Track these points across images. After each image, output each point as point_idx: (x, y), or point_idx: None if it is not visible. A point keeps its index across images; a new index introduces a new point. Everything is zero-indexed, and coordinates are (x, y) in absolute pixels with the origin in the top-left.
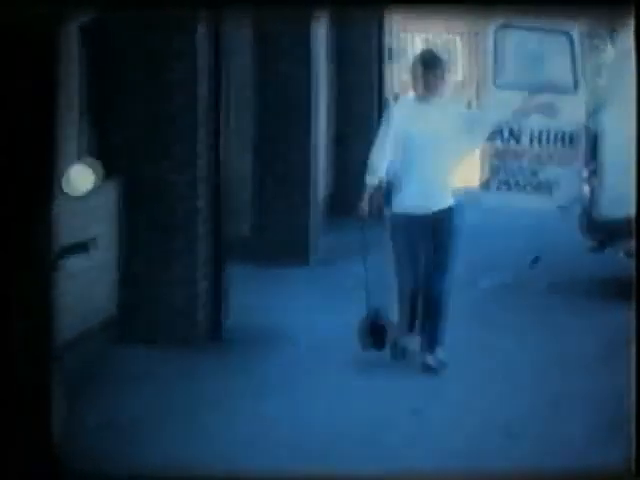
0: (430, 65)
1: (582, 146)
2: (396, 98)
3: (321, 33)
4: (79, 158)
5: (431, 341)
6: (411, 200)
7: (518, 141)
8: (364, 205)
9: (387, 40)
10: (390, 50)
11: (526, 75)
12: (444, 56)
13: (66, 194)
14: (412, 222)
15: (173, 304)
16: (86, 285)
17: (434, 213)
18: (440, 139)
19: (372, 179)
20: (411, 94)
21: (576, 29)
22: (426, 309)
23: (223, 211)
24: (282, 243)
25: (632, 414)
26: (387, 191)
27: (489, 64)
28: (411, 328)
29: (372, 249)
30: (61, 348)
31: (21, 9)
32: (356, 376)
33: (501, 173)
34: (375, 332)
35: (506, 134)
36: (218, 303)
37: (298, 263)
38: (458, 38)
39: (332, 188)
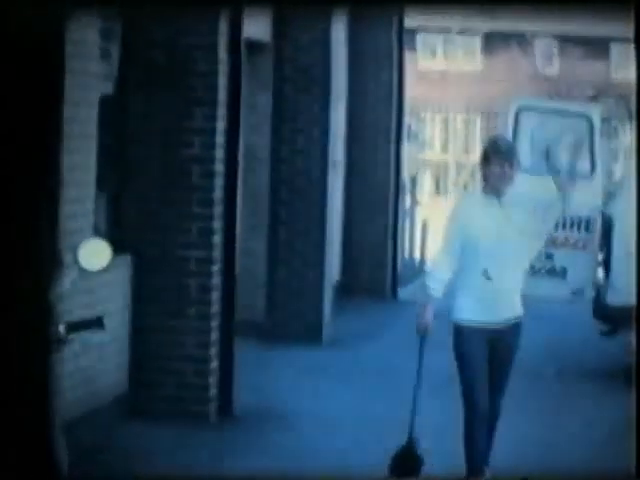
0: (504, 156)
1: (597, 231)
2: (413, 180)
3: (340, 110)
4: (95, 233)
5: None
6: (476, 309)
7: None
8: (425, 319)
9: (406, 119)
10: (409, 129)
11: (543, 158)
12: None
13: (80, 269)
14: (477, 331)
15: (184, 381)
16: (98, 361)
17: (501, 323)
18: (509, 242)
19: (436, 289)
20: (477, 190)
21: (596, 113)
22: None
23: (236, 289)
24: (295, 323)
25: (632, 415)
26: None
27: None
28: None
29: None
30: (71, 423)
31: (21, 10)
32: (361, 458)
33: None
34: (410, 461)
35: None
36: (229, 381)
37: (311, 344)
38: (478, 118)
39: (341, 272)
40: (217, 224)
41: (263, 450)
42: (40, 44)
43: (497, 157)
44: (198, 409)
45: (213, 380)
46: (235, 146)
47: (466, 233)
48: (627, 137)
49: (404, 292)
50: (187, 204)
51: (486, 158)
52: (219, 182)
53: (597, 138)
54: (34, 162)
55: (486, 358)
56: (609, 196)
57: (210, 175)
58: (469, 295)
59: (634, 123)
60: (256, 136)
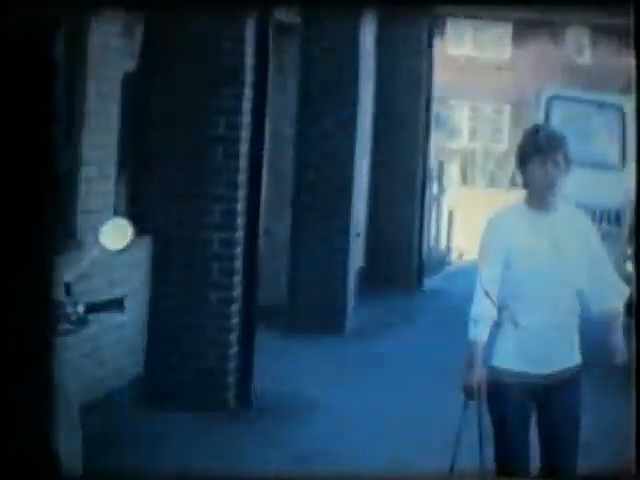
0: (545, 151)
1: (627, 224)
2: (441, 167)
3: (368, 94)
4: (116, 213)
5: None
6: (520, 353)
7: None
8: (474, 377)
9: (434, 107)
10: (437, 116)
11: (573, 149)
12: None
13: (101, 248)
14: (521, 384)
15: (203, 367)
16: (116, 343)
17: (553, 374)
18: (566, 266)
19: (481, 332)
20: (519, 202)
21: (628, 104)
22: None
23: (259, 273)
24: (317, 311)
25: (632, 414)
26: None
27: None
28: None
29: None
30: (88, 406)
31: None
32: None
33: None
34: None
35: None
36: (249, 368)
37: (333, 332)
38: (507, 107)
39: (366, 260)
40: (241, 206)
41: (280, 440)
42: (34, 43)
43: (537, 153)
44: (217, 395)
45: (232, 366)
46: (261, 127)
47: (506, 258)
48: None
49: (430, 282)
50: (211, 184)
51: (524, 156)
52: (244, 163)
53: (629, 129)
54: (32, 161)
55: (530, 419)
56: None
57: (235, 156)
58: (507, 336)
59: None
60: (283, 118)
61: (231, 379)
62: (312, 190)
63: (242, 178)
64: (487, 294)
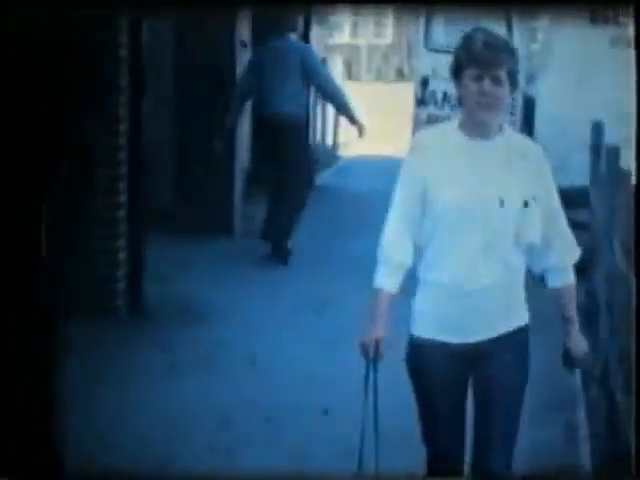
0: (481, 62)
1: (518, 113)
2: (324, 63)
3: None
4: None
5: None
6: (449, 317)
7: (453, 107)
8: (370, 333)
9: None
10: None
11: (458, 37)
12: (508, 41)
13: None
14: (449, 355)
15: (92, 274)
16: None
17: (489, 342)
18: (507, 208)
19: (386, 281)
20: (451, 121)
21: None
22: None
23: (144, 178)
24: (205, 213)
25: (632, 414)
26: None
27: (420, 26)
28: None
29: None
30: None
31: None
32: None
33: None
34: None
35: (439, 99)
36: (138, 274)
37: (222, 234)
38: None
39: (251, 159)
40: (123, 110)
41: (175, 345)
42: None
43: (471, 64)
44: (106, 302)
45: (121, 273)
46: (140, 27)
47: (427, 193)
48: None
49: (318, 179)
50: (91, 90)
51: (457, 66)
52: (124, 68)
53: (514, 16)
54: (36, 164)
55: (463, 391)
56: (530, 77)
57: (114, 62)
58: (429, 297)
59: None
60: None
61: (120, 286)
62: (193, 93)
63: (123, 83)
64: (402, 237)
